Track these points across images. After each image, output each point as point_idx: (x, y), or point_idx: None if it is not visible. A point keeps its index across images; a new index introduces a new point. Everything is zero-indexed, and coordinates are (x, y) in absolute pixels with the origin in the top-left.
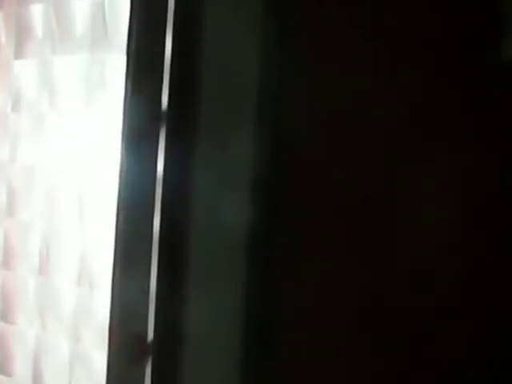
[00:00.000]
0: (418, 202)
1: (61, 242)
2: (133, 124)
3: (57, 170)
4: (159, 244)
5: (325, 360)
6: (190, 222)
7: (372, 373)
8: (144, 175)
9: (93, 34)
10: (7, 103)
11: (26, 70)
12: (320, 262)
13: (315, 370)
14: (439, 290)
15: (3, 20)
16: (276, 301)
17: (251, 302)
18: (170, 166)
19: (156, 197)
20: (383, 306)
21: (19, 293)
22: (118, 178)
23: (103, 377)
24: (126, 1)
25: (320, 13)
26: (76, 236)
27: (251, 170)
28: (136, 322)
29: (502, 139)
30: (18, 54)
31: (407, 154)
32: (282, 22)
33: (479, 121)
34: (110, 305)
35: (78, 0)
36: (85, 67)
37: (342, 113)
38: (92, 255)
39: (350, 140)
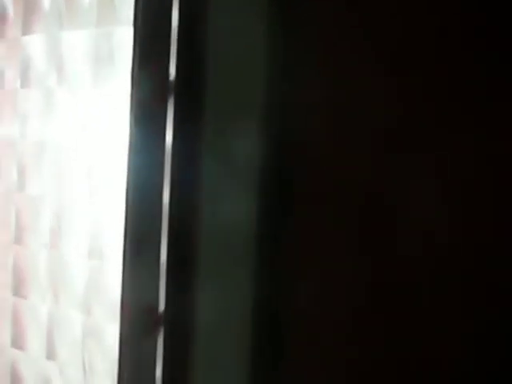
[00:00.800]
0: (426, 202)
1: (71, 216)
2: (141, 96)
3: (66, 144)
4: (169, 216)
5: (333, 353)
6: (199, 194)
7: (382, 371)
8: (153, 147)
9: (99, 7)
10: (16, 79)
11: (34, 46)
12: (330, 257)
13: (324, 358)
14: (452, 287)
15: None
16: (287, 282)
17: (263, 273)
18: (178, 137)
19: (165, 169)
20: (394, 303)
21: (31, 267)
22: (127, 151)
23: (116, 349)
24: None
25: (329, 5)
26: (86, 210)
27: (260, 142)
28: (147, 293)
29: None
30: (26, 29)
31: (418, 152)
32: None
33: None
34: (122, 277)
35: None
36: (92, 41)
37: (352, 106)
38: (102, 229)
39: (357, 135)
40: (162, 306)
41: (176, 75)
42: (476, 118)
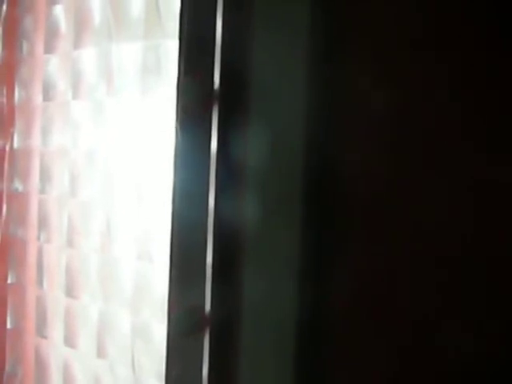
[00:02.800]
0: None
1: (121, 220)
2: (186, 105)
3: (116, 152)
4: (214, 220)
5: (379, 357)
6: (244, 199)
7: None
8: (198, 154)
9: (147, 20)
10: (68, 91)
11: (85, 59)
12: (378, 260)
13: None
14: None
15: (63, 12)
16: (332, 278)
17: (307, 276)
18: (223, 144)
19: (210, 174)
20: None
21: (82, 269)
22: (174, 158)
23: (163, 348)
24: None
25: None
26: (135, 214)
27: (304, 147)
28: (193, 294)
29: None
30: (77, 44)
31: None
32: (333, 2)
33: None
34: (169, 278)
35: None
36: (140, 53)
37: (401, 124)
38: (150, 232)
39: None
40: (208, 306)
41: (220, 84)
42: None
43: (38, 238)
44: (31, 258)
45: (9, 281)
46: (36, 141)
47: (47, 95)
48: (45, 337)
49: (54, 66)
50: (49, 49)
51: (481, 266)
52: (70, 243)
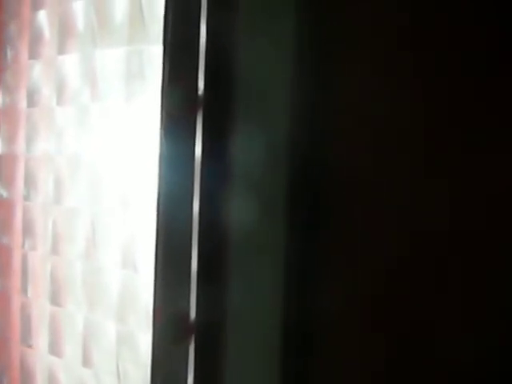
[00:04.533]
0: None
1: (105, 227)
2: (171, 110)
3: (100, 158)
4: (199, 226)
5: (366, 359)
6: (229, 204)
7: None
8: (182, 159)
9: (131, 26)
10: (52, 97)
11: (68, 65)
12: (361, 264)
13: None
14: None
15: (47, 18)
16: (317, 283)
17: (292, 282)
18: (207, 149)
19: (195, 181)
20: (431, 308)
21: (67, 277)
22: (158, 164)
23: (149, 356)
24: None
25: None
26: (120, 221)
27: (288, 152)
28: (178, 302)
29: None
30: (61, 49)
31: (457, 174)
32: (318, 6)
33: None
34: (154, 286)
35: None
36: (124, 58)
37: (388, 109)
38: (135, 239)
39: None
40: (193, 314)
41: (204, 89)
42: None
43: (23, 246)
44: (16, 266)
45: None
46: (20, 147)
47: (31, 101)
48: (30, 345)
49: (38, 72)
50: (33, 55)
51: (476, 266)
52: (55, 251)
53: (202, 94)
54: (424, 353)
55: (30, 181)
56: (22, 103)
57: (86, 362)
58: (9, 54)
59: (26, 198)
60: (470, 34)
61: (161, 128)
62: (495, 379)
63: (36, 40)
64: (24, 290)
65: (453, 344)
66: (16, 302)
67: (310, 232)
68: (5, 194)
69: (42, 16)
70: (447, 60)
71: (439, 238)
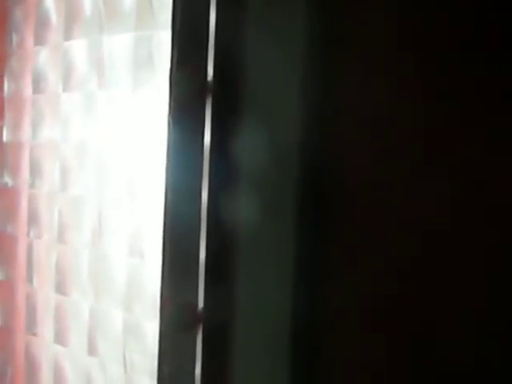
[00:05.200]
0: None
1: (112, 216)
2: (179, 97)
3: (107, 146)
4: (207, 215)
5: (373, 355)
6: (238, 194)
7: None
8: (191, 147)
9: (138, 12)
10: (59, 83)
11: (75, 51)
12: (367, 259)
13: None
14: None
15: (53, 3)
16: (325, 275)
17: (300, 273)
18: (216, 137)
19: (204, 169)
20: (429, 308)
21: (73, 266)
22: (166, 151)
23: (155, 346)
24: None
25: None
26: (127, 209)
27: (297, 140)
28: (186, 291)
29: None
30: (68, 35)
31: (456, 171)
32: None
33: None
34: (161, 276)
35: None
36: (132, 45)
37: (392, 122)
38: (142, 228)
39: (396, 150)
40: (200, 304)
41: (213, 76)
42: None
43: (28, 234)
44: (21, 254)
45: None
46: (26, 134)
47: (37, 88)
48: (35, 334)
49: (44, 58)
50: (39, 40)
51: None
52: (61, 239)
53: (211, 80)
54: (425, 353)
55: (35, 169)
56: (28, 90)
57: (92, 351)
58: (14, 39)
59: (32, 186)
60: (469, 32)
61: (169, 116)
62: (494, 380)
63: (42, 25)
64: (29, 279)
65: (453, 344)
66: (21, 290)
67: (318, 226)
68: (10, 182)
69: (49, 1)
70: (447, 59)
71: (439, 238)
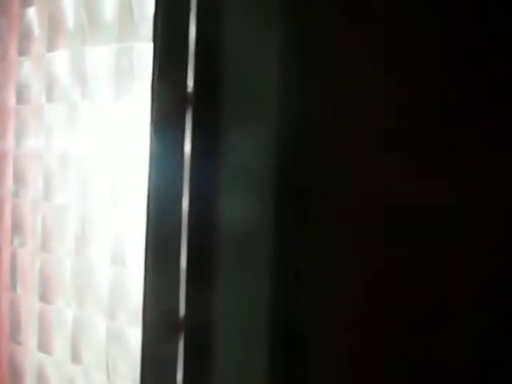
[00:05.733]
0: (444, 209)
1: (95, 224)
2: (160, 108)
3: (90, 155)
4: (188, 223)
5: (354, 359)
6: (217, 203)
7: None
8: (172, 157)
9: (120, 24)
10: (42, 94)
11: (58, 62)
12: (349, 261)
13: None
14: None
15: (36, 15)
16: (305, 281)
17: (281, 280)
18: (196, 147)
19: (184, 178)
20: (415, 307)
21: (57, 274)
22: (148, 161)
23: (138, 352)
24: None
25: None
26: (109, 218)
27: (276, 150)
28: (168, 298)
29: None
30: (51, 46)
31: (434, 157)
32: (305, 5)
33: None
34: (143, 283)
35: None
36: (114, 56)
37: (368, 106)
38: (125, 236)
39: (374, 136)
40: (182, 311)
41: (194, 87)
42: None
43: (12, 243)
44: (5, 263)
45: None
46: (10, 144)
47: (21, 98)
48: (19, 343)
49: (27, 68)
50: (22, 51)
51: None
52: (44, 247)
53: (192, 91)
54: (416, 350)
55: (19, 178)
56: (12, 100)
57: (76, 358)
58: None
59: (15, 194)
60: (461, 31)
61: (150, 125)
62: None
63: (25, 36)
64: (13, 287)
65: (446, 342)
66: (5, 298)
67: (299, 230)
68: None
69: (32, 12)
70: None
71: (430, 236)
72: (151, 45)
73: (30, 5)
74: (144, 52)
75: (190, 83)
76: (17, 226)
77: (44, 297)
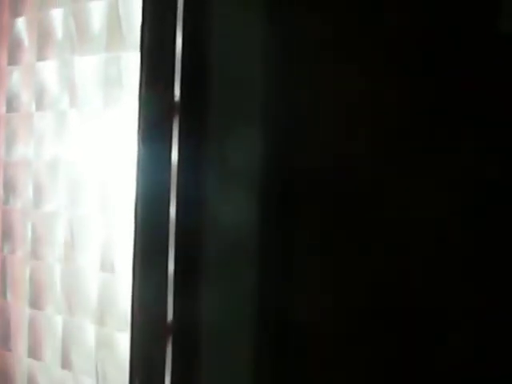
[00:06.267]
0: (427, 201)
1: (84, 231)
2: (148, 116)
3: (79, 163)
4: (176, 230)
5: (341, 360)
6: (204, 209)
7: (383, 371)
8: (159, 164)
9: (108, 34)
10: (31, 103)
11: (47, 71)
12: (335, 260)
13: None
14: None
15: (26, 25)
16: (292, 284)
17: (267, 283)
18: (183, 154)
19: (171, 185)
20: (400, 306)
21: (47, 280)
22: (136, 169)
23: (127, 358)
24: (138, 1)
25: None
26: (98, 225)
27: (264, 157)
28: (156, 303)
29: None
30: (40, 56)
31: (416, 153)
32: (289, 15)
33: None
34: (132, 289)
35: (95, 3)
36: (102, 65)
37: (353, 111)
38: (113, 242)
39: (359, 138)
40: (170, 316)
41: (180, 96)
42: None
43: (2, 250)
44: None
45: None
46: (0, 152)
47: (11, 107)
48: (9, 349)
49: (17, 77)
50: (12, 61)
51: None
52: (34, 254)
53: (179, 100)
54: (403, 349)
55: (9, 185)
56: (2, 109)
57: (65, 364)
58: None
59: (6, 202)
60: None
61: (138, 133)
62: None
63: (15, 46)
64: (3, 294)
65: (439, 342)
66: None
67: (286, 234)
68: None
69: (21, 23)
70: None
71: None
72: (139, 54)
73: (20, 15)
74: (132, 61)
75: (177, 92)
76: (7, 233)
77: (34, 303)
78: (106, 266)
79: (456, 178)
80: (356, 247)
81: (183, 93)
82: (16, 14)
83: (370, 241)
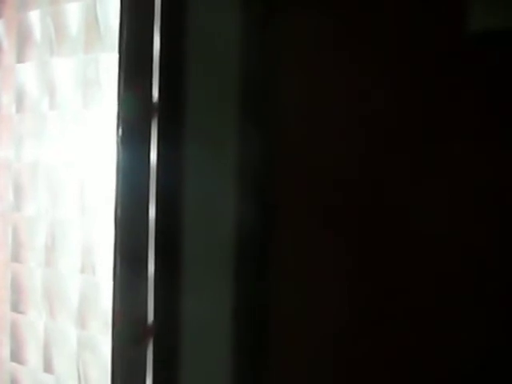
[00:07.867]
0: (417, 203)
1: (65, 234)
2: (126, 117)
3: (59, 164)
4: (155, 232)
5: (322, 361)
6: (183, 211)
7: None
8: (138, 165)
9: (87, 36)
10: (11, 105)
11: (27, 73)
12: (317, 260)
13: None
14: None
15: (5, 26)
16: (270, 284)
17: (249, 284)
18: (162, 155)
19: (151, 187)
20: (384, 306)
21: (28, 284)
22: (115, 170)
23: (109, 359)
24: (116, 3)
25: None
26: (79, 228)
27: (242, 158)
28: (136, 305)
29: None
30: (20, 58)
31: (406, 152)
32: (268, 15)
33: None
34: (113, 291)
35: (72, 4)
36: (81, 67)
37: (335, 109)
38: (94, 245)
39: (340, 135)
40: (150, 318)
41: (159, 97)
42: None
43: None
44: None
45: None
46: None
47: None
48: None
49: None
50: None
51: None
52: (15, 258)
53: (157, 101)
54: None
55: None
56: None
57: (48, 367)
58: None
59: None
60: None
61: (117, 134)
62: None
63: None
64: None
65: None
66: None
67: (263, 234)
68: None
69: (0, 25)
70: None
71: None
72: (117, 55)
73: None
74: (110, 62)
75: (156, 93)
76: None
77: (16, 307)
78: (87, 269)
79: (456, 178)
80: (345, 248)
81: (161, 93)
82: None
83: (359, 243)
